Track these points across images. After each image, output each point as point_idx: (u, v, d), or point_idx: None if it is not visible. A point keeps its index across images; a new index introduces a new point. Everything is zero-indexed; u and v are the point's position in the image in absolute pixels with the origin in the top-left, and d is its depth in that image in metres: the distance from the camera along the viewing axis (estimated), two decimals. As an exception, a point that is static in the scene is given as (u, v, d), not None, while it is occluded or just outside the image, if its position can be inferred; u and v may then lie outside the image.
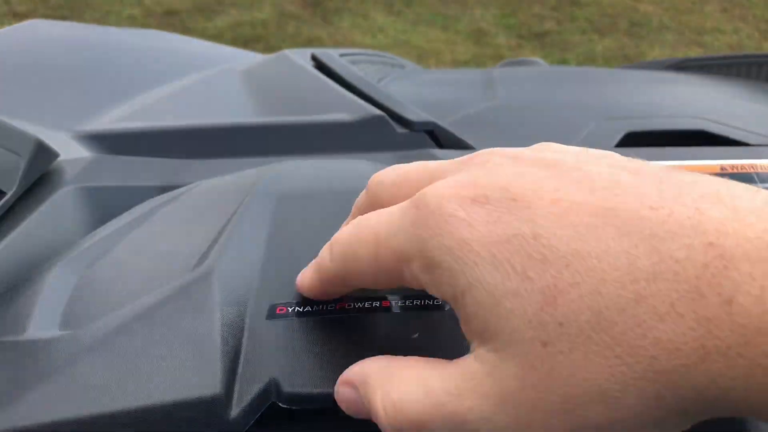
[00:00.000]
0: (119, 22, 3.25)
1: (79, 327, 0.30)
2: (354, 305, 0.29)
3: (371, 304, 0.30)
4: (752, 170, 0.52)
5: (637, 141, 0.61)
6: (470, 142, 0.57)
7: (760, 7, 4.27)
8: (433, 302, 0.30)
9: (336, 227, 0.33)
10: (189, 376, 0.26)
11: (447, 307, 0.30)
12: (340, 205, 0.35)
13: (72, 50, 0.69)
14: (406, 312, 0.29)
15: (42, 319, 0.31)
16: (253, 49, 2.96)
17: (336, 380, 0.26)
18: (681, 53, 3.59)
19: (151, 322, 0.28)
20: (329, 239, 0.33)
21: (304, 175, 0.39)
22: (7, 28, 0.69)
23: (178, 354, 0.26)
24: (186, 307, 0.29)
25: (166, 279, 0.31)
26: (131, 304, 0.30)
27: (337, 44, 3.25)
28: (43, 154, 0.43)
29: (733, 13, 4.65)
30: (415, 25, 3.78)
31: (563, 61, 3.44)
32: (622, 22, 4.18)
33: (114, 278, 0.33)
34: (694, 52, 3.62)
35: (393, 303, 0.30)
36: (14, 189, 0.41)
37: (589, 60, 3.48)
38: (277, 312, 0.29)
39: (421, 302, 0.30)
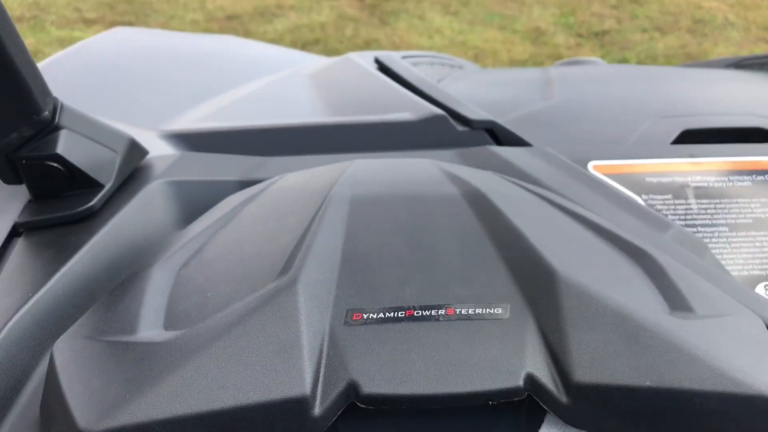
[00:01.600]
0: (183, 26, 3.35)
1: (181, 329, 0.34)
2: (422, 312, 0.33)
3: (437, 312, 0.33)
4: None
5: (693, 138, 0.62)
6: (528, 139, 0.59)
7: (832, 2, 4.12)
8: (486, 310, 0.33)
9: (402, 232, 0.36)
10: (280, 378, 0.30)
11: (500, 311, 0.33)
12: (406, 211, 0.39)
13: (155, 55, 0.74)
14: (469, 320, 0.33)
15: (148, 320, 0.35)
16: (312, 51, 3.01)
17: (410, 381, 0.30)
18: (747, 51, 3.50)
19: (245, 330, 0.32)
20: (397, 244, 0.37)
21: (374, 178, 0.42)
22: (95, 37, 0.75)
23: (270, 359, 0.31)
24: (275, 315, 0.33)
25: (254, 284, 0.36)
26: (225, 310, 0.34)
27: (394, 45, 3.28)
28: (135, 151, 0.48)
29: (803, 8, 4.50)
30: (472, 25, 3.78)
31: (623, 60, 3.39)
32: (684, 20, 4.08)
33: (206, 281, 0.37)
34: (761, 50, 3.52)
35: (457, 310, 0.33)
36: (111, 182, 0.45)
37: (650, 59, 3.43)
38: (354, 318, 0.33)
39: (480, 310, 0.33)
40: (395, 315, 0.33)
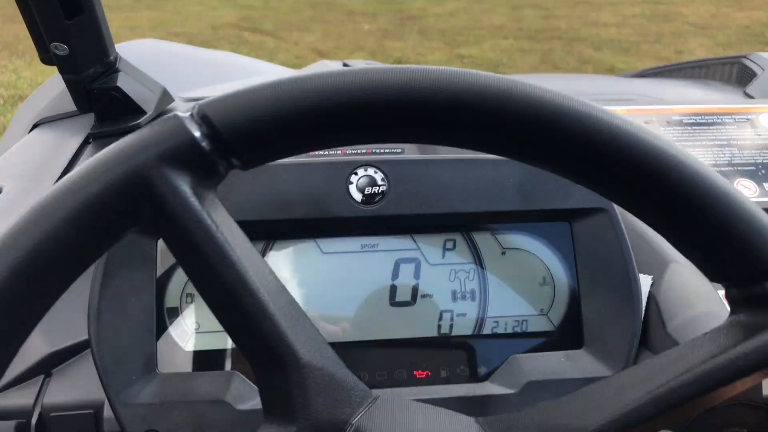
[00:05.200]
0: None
1: None
2: None
3: None
4: None
5: None
6: None
7: None
8: None
9: None
10: None
11: None
12: None
13: (174, 59, 0.97)
14: None
15: None
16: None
17: None
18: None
19: None
20: None
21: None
22: (128, 42, 0.97)
23: None
24: None
25: None
26: None
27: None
28: (166, 96, 0.70)
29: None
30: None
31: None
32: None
33: None
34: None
35: None
36: (152, 111, 0.67)
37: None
38: None
39: None
40: None
